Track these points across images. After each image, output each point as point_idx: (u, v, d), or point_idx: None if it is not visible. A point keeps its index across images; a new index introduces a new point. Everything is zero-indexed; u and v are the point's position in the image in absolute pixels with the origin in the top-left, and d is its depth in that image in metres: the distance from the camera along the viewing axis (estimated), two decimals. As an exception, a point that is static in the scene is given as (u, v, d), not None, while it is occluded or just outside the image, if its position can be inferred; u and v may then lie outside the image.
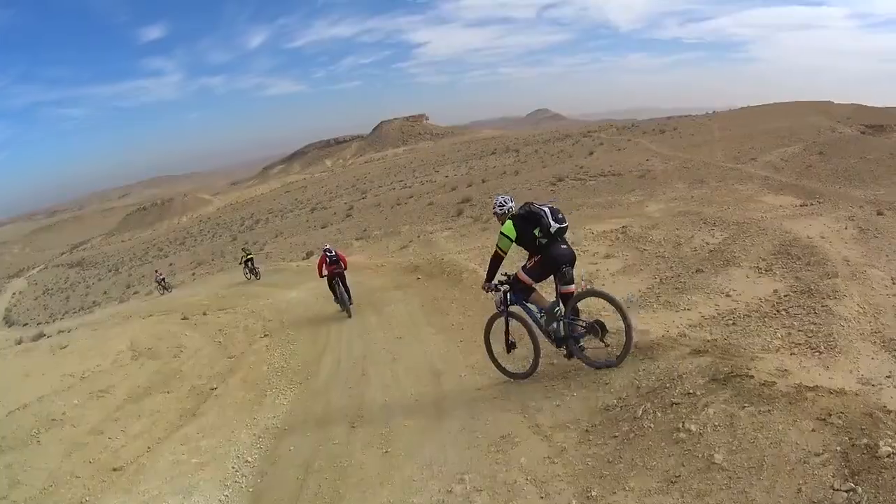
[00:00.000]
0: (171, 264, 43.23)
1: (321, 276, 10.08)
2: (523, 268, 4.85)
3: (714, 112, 59.95)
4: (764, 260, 9.79)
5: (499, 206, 4.95)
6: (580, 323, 4.70)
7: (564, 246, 4.70)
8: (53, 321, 34.26)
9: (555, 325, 4.77)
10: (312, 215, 44.35)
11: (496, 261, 4.85)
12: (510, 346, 5.23)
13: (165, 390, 7.64)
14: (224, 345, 9.79)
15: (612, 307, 4.56)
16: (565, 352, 4.87)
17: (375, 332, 8.56)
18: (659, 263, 10.38)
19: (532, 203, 4.76)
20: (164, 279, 23.28)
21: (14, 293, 77.60)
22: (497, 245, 4.76)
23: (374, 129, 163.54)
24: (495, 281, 4.97)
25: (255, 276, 17.82)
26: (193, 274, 27.27)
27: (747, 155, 25.56)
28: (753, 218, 12.67)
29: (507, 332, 5.18)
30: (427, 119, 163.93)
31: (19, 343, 18.01)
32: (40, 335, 19.38)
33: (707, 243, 11.21)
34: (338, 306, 9.95)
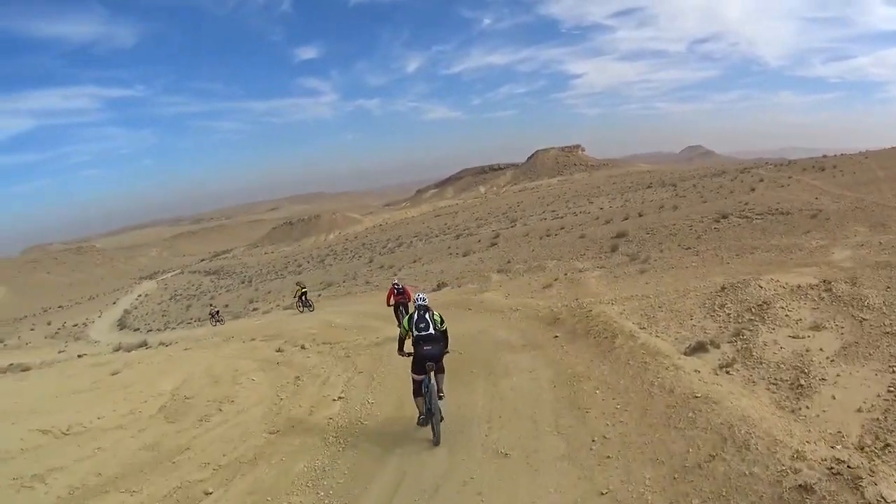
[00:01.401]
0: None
1: (388, 304, 11.99)
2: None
3: (868, 151, 53.22)
4: None
5: (414, 300, 6.70)
6: (429, 405, 6.03)
7: (428, 347, 6.05)
8: (165, 329, 35.17)
9: (428, 400, 6.08)
10: (456, 242, 41.21)
11: (401, 340, 6.44)
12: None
13: (134, 488, 5.55)
14: (282, 405, 7.93)
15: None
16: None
17: (473, 434, 6.02)
18: (891, 344, 6.56)
19: (419, 309, 6.25)
20: (217, 312, 25.75)
21: (139, 295, 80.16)
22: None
23: (529, 158, 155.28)
24: (408, 350, 6.30)
25: (310, 309, 19.58)
26: (319, 295, 26.07)
27: (917, 195, 23.00)
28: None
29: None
30: (583, 150, 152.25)
31: (117, 350, 18.03)
32: (142, 344, 19.44)
33: (944, 313, 7.30)
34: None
